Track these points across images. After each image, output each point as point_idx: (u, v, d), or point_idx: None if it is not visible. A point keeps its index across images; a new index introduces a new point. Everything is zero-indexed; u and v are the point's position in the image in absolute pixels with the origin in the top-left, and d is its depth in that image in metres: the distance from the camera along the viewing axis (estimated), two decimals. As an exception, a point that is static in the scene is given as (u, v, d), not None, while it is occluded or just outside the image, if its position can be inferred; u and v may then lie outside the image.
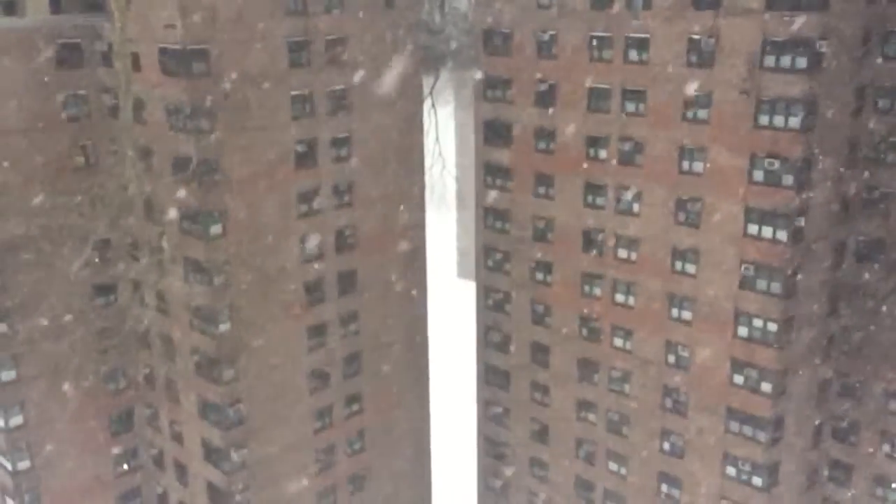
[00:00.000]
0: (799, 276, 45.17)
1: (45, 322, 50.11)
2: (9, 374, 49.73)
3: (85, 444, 53.52)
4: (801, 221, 44.05)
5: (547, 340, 55.65)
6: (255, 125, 47.25)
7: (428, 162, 58.59)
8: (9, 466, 51.36)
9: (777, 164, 43.18)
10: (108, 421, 54.32)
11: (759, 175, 43.85)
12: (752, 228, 44.63)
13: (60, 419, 52.10)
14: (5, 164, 47.02)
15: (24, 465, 51.43)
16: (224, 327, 48.47)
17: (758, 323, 45.56)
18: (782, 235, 43.84)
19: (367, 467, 58.40)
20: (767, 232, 44.24)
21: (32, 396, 50.78)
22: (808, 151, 42.94)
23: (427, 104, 58.82)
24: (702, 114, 45.17)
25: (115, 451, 55.07)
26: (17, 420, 50.55)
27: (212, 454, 51.29)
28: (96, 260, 51.27)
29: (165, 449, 55.19)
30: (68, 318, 50.95)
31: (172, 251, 48.93)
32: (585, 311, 52.98)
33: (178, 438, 53.70)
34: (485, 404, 61.08)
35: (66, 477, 53.11)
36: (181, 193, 47.03)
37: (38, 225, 48.66)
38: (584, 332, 53.38)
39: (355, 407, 56.65)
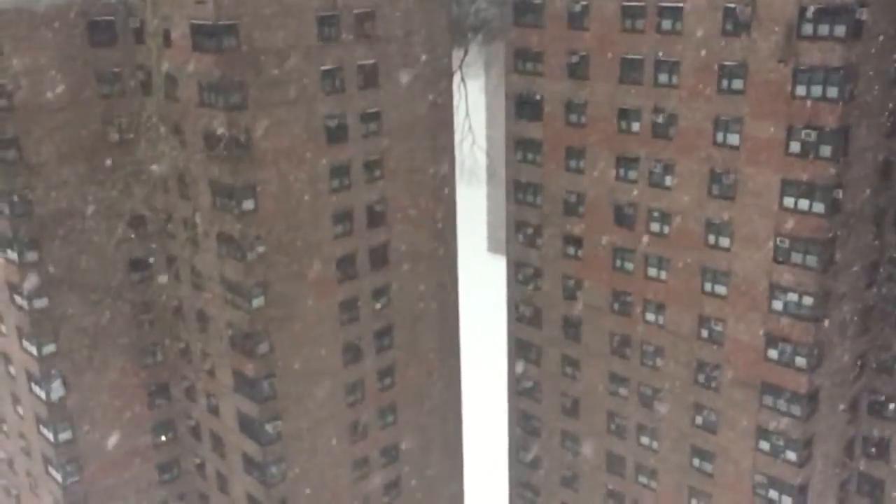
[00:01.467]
0: (836, 249, 44.42)
1: (83, 296, 51.13)
2: (49, 348, 50.93)
3: (124, 416, 54.71)
4: (839, 193, 43.23)
5: (578, 315, 55.48)
6: (285, 100, 47.40)
7: (458, 136, 58.44)
8: (51, 438, 52.70)
9: (814, 135, 42.28)
10: (145, 393, 55.47)
11: (795, 146, 43.01)
12: (789, 201, 43.90)
13: (99, 391, 53.27)
14: (42, 139, 47.78)
15: (65, 436, 52.76)
16: (257, 302, 49.04)
17: (793, 297, 44.94)
18: (819, 208, 43.05)
19: (398, 440, 58.99)
20: (804, 204, 43.49)
21: (72, 369, 51.93)
22: (846, 122, 41.98)
23: (457, 78, 58.51)
24: (737, 84, 44.32)
25: (153, 422, 56.29)
26: (58, 392, 51.83)
27: (247, 426, 52.13)
28: (132, 235, 52.11)
29: (202, 421, 56.22)
30: (105, 292, 51.94)
31: (206, 227, 49.48)
32: (617, 285, 52.67)
33: (214, 411, 54.64)
34: (516, 378, 61.18)
35: (106, 448, 54.41)
36: (213, 169, 47.47)
37: (75, 200, 49.52)
38: (616, 306, 53.11)
39: (387, 380, 57.13)
